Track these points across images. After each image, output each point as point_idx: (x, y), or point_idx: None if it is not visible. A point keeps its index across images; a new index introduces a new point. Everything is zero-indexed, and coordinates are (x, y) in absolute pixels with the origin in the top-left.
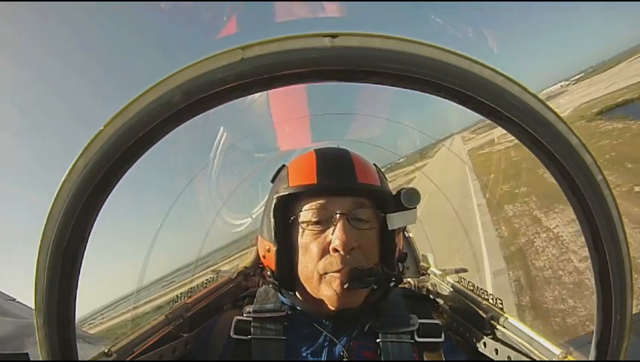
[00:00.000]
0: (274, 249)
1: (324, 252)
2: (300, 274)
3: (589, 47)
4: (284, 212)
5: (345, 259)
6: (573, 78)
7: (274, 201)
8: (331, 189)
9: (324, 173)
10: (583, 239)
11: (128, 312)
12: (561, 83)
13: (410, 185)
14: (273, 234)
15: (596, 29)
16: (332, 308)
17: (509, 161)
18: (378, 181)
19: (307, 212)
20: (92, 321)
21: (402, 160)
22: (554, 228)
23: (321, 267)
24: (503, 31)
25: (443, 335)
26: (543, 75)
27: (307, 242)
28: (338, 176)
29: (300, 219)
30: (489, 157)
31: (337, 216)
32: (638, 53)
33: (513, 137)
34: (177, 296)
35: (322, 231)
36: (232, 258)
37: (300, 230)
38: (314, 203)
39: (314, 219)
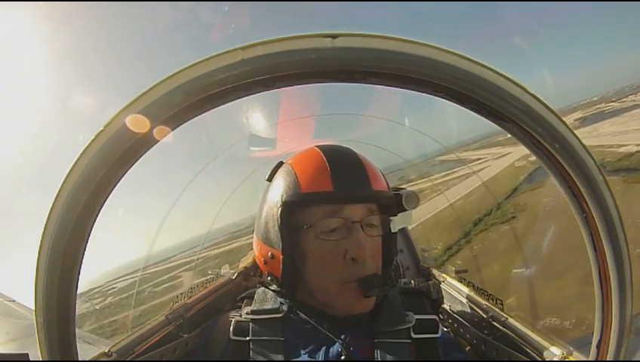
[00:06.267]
0: (280, 256)
1: (341, 261)
2: (311, 282)
3: None
4: (292, 217)
5: (362, 267)
6: None
7: (281, 206)
8: (349, 198)
9: (340, 179)
10: None
11: None
12: None
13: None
14: (280, 241)
15: None
16: (347, 315)
17: None
18: (386, 185)
19: (323, 220)
20: None
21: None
22: None
23: (338, 276)
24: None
25: (440, 330)
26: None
27: (322, 251)
28: (354, 184)
29: (314, 227)
30: None
31: (353, 224)
32: None
33: None
34: (177, 296)
35: (338, 240)
36: None
37: (313, 237)
38: (329, 211)
39: (330, 228)
